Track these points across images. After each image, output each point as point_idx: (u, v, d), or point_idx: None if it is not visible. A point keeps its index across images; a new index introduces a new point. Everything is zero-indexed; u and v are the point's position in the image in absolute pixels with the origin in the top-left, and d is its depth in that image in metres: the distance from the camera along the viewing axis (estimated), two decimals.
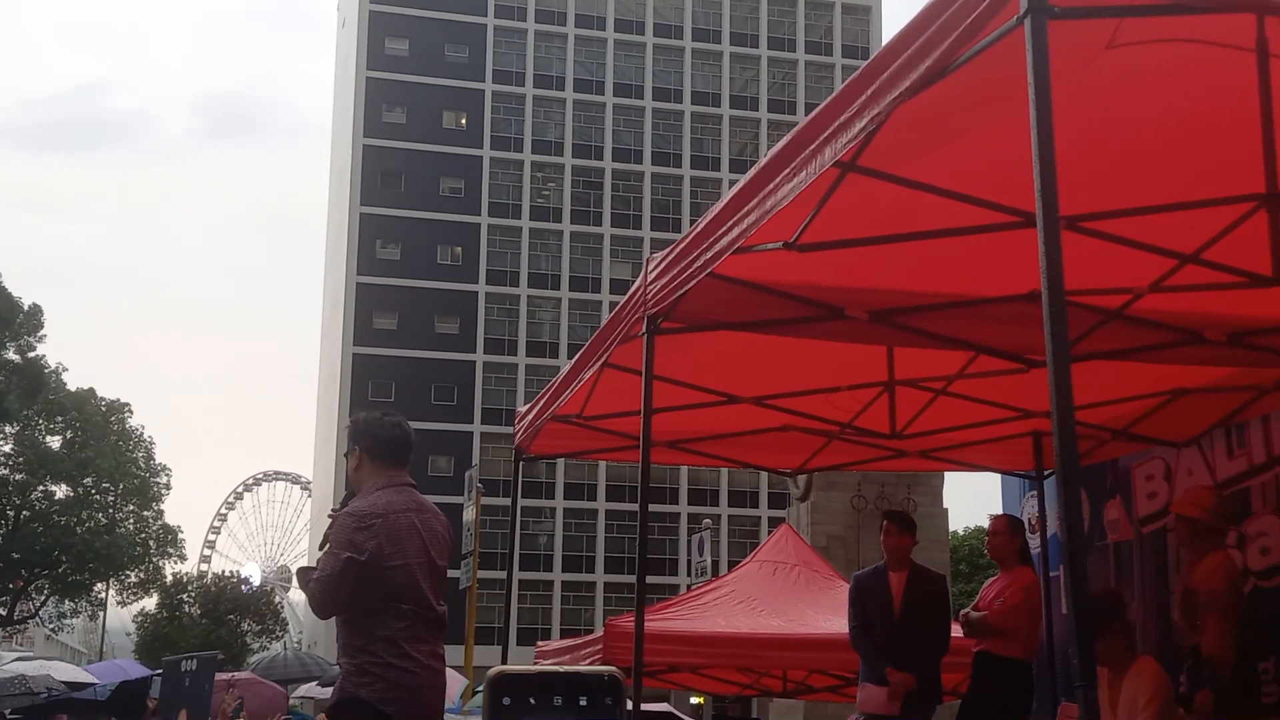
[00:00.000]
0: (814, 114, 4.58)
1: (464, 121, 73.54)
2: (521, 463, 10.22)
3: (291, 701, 28.35)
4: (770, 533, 13.85)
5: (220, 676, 13.13)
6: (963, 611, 8.32)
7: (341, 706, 5.39)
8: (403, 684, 5.45)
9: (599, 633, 11.27)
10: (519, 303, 72.39)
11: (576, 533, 69.65)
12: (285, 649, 47.10)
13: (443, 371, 69.64)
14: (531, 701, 0.83)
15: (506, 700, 0.83)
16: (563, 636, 18.55)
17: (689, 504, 67.96)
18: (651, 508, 6.77)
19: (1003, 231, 5.27)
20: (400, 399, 65.98)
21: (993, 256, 5.83)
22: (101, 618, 63.65)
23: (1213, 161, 4.98)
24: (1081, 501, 3.40)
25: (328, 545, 5.51)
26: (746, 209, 5.07)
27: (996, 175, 4.97)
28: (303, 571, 5.60)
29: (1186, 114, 4.72)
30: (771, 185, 4.86)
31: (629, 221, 73.56)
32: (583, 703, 0.83)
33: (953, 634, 8.44)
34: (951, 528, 27.49)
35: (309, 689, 30.04)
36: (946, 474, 22.33)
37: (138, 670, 19.27)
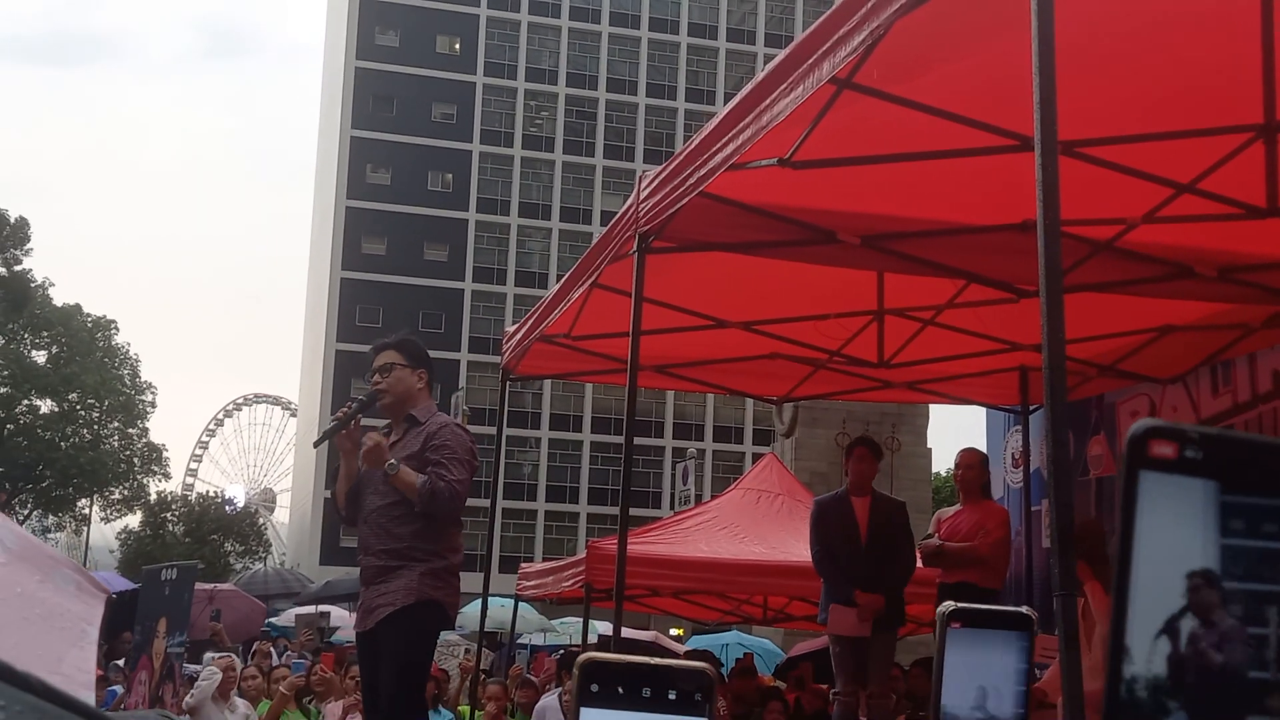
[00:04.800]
0: (813, 28, 4.53)
1: (458, 46, 72.79)
2: (508, 388, 10.21)
3: (273, 620, 28.54)
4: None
5: (201, 588, 13.18)
6: (934, 543, 8.31)
7: (422, 608, 5.45)
8: (458, 593, 5.74)
9: (581, 555, 11.33)
10: (509, 232, 72.02)
11: (561, 463, 69.77)
12: (266, 566, 47.32)
13: (431, 298, 69.41)
14: (619, 690, 0.84)
15: (594, 687, 0.84)
16: None
17: (674, 438, 68.06)
18: (636, 440, 6.78)
19: (998, 155, 5.24)
20: (388, 325, 65.82)
21: (987, 183, 5.81)
22: (85, 533, 63.86)
23: (1212, 90, 4.95)
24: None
25: (451, 454, 5.57)
26: (742, 125, 5.03)
27: (994, 97, 4.93)
28: (432, 479, 5.52)
29: (1188, 41, 4.68)
30: (767, 101, 4.82)
31: (622, 153, 73.04)
32: (671, 696, 0.84)
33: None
34: (934, 468, 27.55)
35: (290, 613, 30.24)
36: (930, 416, 22.37)
37: (120, 584, 19.37)
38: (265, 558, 65.34)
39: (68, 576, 2.55)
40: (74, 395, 57.04)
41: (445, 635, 14.84)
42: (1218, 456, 0.64)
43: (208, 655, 9.77)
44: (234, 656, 9.62)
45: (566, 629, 24.35)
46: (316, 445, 6.70)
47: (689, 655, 11.16)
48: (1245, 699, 0.62)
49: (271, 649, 14.32)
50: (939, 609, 1.20)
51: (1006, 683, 1.21)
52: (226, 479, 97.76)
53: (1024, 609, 1.24)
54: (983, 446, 10.51)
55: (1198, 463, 0.64)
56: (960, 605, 1.21)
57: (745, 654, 15.16)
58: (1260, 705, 0.63)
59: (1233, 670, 0.63)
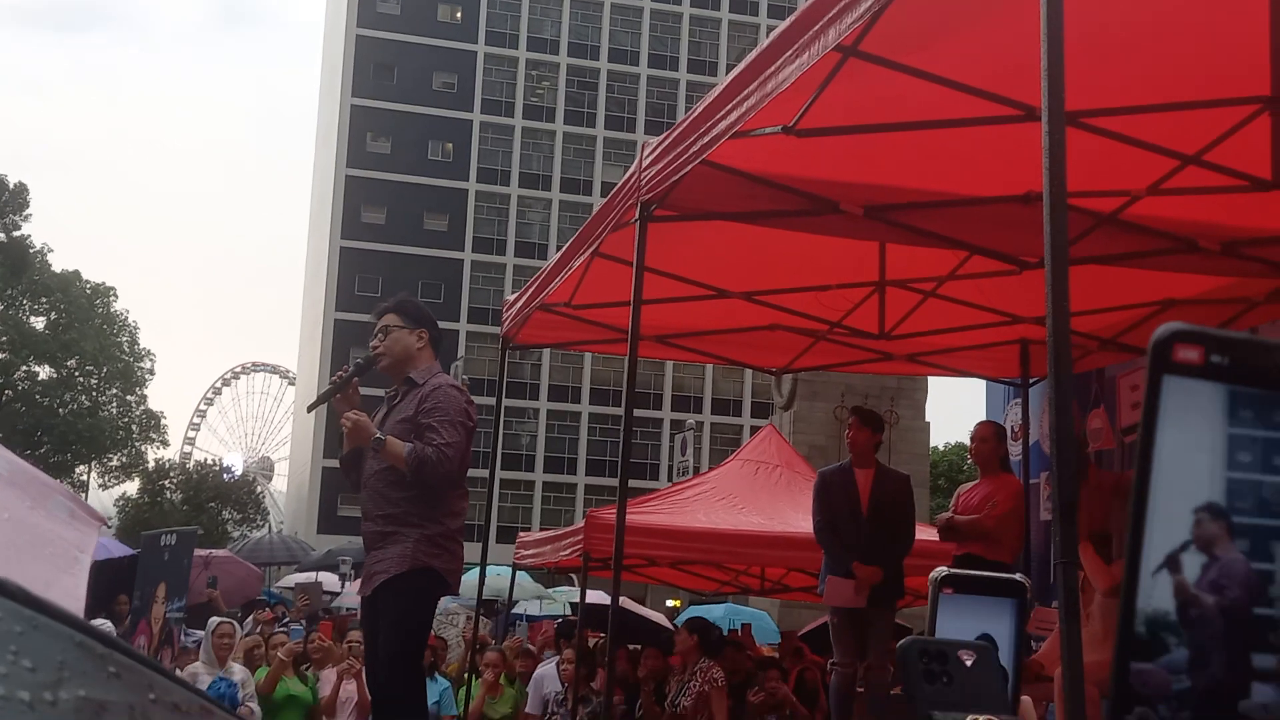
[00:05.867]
0: None
1: (459, 15, 72.51)
2: (507, 359, 10.20)
3: (274, 588, 28.63)
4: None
5: (197, 554, 13.21)
6: (945, 517, 8.34)
7: (418, 575, 5.42)
8: (459, 559, 5.68)
9: (579, 524, 11.34)
10: (509, 202, 71.89)
11: (559, 434, 69.83)
12: (269, 533, 47.41)
13: (430, 268, 69.33)
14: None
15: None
16: None
17: (672, 410, 68.10)
18: (635, 412, 6.75)
19: (1002, 126, 5.22)
20: (387, 294, 65.05)
21: (990, 154, 5.79)
22: (83, 499, 63.92)
23: (1219, 62, 4.92)
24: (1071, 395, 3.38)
25: (443, 415, 5.51)
26: (746, 92, 5.00)
27: (999, 67, 4.90)
28: (418, 448, 5.42)
29: (1195, 12, 4.65)
30: (772, 68, 4.79)
31: (623, 124, 72.83)
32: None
33: (918, 535, 8.45)
34: (932, 443, 27.56)
35: (291, 578, 30.37)
36: (929, 390, 22.40)
37: (119, 549, 19.45)
38: (263, 526, 65.44)
39: (61, 503, 2.54)
40: (72, 361, 57.04)
41: (445, 604, 14.92)
42: (1246, 362, 0.61)
43: (212, 619, 9.80)
44: (235, 623, 9.64)
45: (563, 598, 24.46)
46: (310, 410, 6.64)
47: (688, 624, 11.18)
48: (1250, 636, 0.60)
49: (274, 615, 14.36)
50: (931, 575, 1.19)
51: (999, 647, 1.21)
52: (225, 447, 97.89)
53: (1017, 575, 1.22)
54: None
55: (1224, 368, 0.60)
56: (952, 571, 1.20)
57: (743, 624, 15.20)
58: (1265, 642, 0.61)
59: (1238, 606, 0.61)
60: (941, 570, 1.19)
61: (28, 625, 0.50)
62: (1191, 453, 0.60)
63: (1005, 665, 1.17)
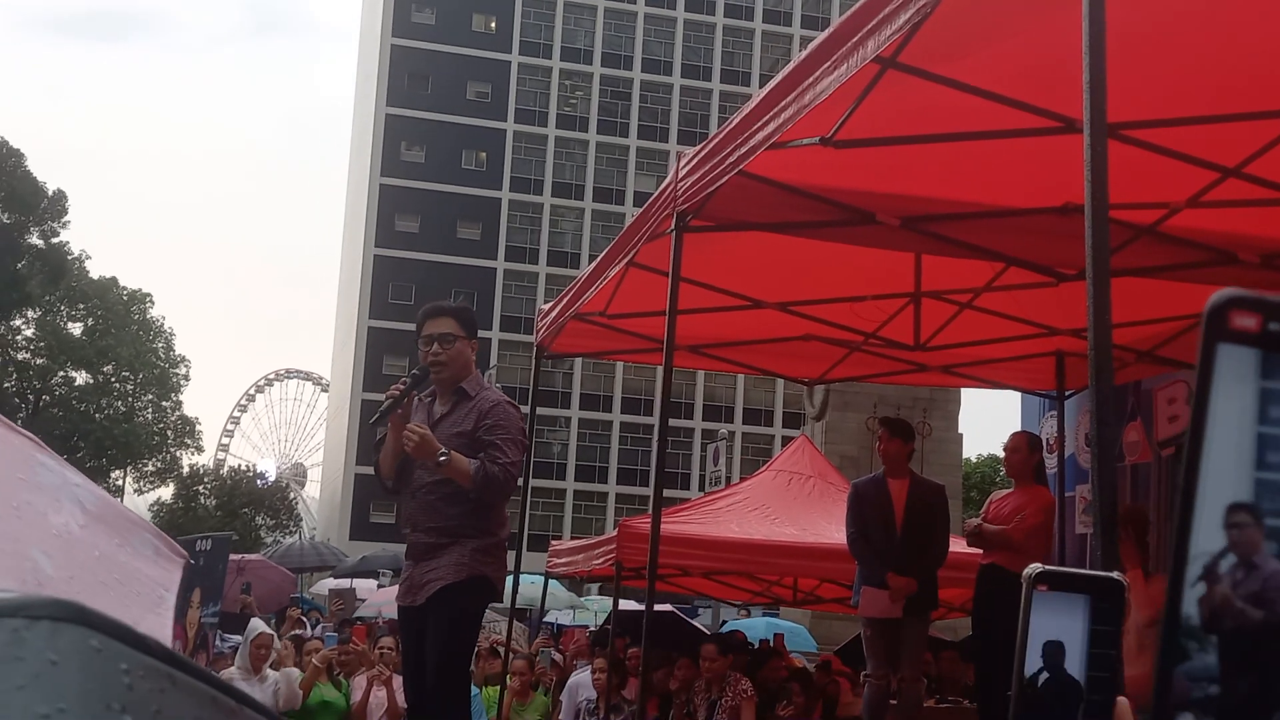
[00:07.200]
0: (857, 5, 4.49)
1: (493, 25, 72.80)
2: (540, 366, 10.22)
3: (307, 594, 28.76)
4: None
5: (230, 558, 13.31)
6: (974, 523, 8.28)
7: (475, 584, 5.50)
8: (505, 567, 5.81)
9: (612, 534, 11.34)
10: (542, 211, 72.08)
11: (591, 443, 69.90)
12: (301, 539, 47.58)
13: (463, 277, 69.53)
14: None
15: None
16: None
17: (704, 419, 68.08)
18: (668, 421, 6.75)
19: (1040, 137, 5.20)
20: (420, 302, 65.45)
21: (1028, 165, 5.77)
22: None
23: (1260, 73, 4.88)
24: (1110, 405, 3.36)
25: (505, 434, 5.59)
26: (784, 103, 4.99)
27: (1038, 79, 4.89)
28: (484, 464, 5.47)
29: (1236, 23, 4.62)
30: (810, 79, 4.78)
31: (656, 134, 72.92)
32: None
33: (951, 546, 8.40)
34: (965, 454, 27.39)
35: (325, 583, 30.51)
36: (962, 401, 22.28)
37: None
38: (296, 532, 65.66)
39: (146, 540, 2.54)
40: (109, 368, 57.54)
41: None
42: None
43: (254, 621, 9.87)
44: (275, 635, 9.71)
45: (595, 606, 24.49)
46: (374, 424, 6.52)
47: (715, 641, 11.17)
48: None
49: (304, 619, 14.43)
50: (1025, 571, 1.17)
51: (1093, 648, 1.17)
52: (258, 453, 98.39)
53: (1114, 574, 1.19)
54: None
55: None
56: (1048, 568, 1.17)
57: (775, 635, 15.16)
58: None
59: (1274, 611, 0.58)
60: (1036, 566, 1.16)
61: (168, 683, 0.51)
62: (1246, 430, 0.58)
63: (1074, 669, 1.13)
